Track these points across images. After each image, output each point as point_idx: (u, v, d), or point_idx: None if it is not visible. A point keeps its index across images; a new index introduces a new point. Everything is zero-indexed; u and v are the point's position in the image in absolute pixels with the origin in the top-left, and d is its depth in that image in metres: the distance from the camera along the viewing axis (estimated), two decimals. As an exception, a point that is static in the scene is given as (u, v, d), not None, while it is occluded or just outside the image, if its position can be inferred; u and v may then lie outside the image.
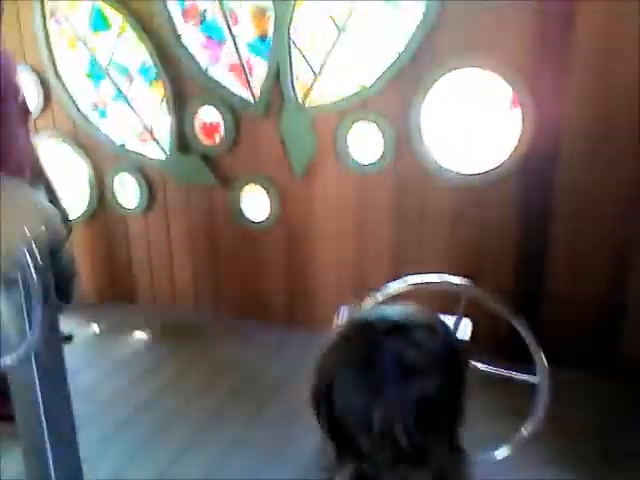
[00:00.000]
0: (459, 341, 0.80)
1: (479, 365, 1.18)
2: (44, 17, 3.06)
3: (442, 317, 1.12)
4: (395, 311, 0.78)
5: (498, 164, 2.52)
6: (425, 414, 0.71)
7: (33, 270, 1.06)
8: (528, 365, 1.25)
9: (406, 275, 1.28)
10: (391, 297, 1.22)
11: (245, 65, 2.81)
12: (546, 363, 1.14)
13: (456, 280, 1.19)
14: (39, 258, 1.07)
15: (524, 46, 2.38)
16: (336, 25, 2.59)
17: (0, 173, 1.98)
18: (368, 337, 0.74)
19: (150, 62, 2.94)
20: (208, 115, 2.94)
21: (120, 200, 3.25)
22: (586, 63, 2.33)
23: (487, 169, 2.54)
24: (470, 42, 2.44)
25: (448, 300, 1.15)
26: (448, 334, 0.78)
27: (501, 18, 2.38)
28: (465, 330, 1.21)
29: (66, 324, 3.05)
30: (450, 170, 2.59)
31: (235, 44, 2.79)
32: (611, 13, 2.26)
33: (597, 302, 2.57)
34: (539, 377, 1.15)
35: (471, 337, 1.24)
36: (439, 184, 2.62)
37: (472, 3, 2.38)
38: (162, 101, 2.98)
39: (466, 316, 1.25)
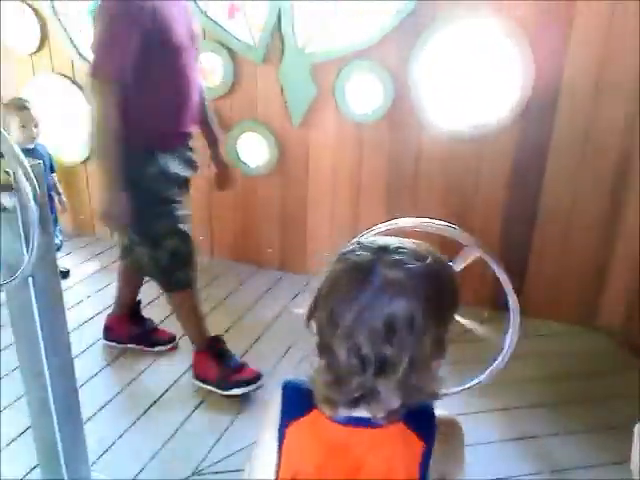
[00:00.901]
0: (449, 274, 0.83)
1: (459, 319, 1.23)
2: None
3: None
4: (391, 239, 0.83)
5: (495, 117, 2.54)
6: (393, 328, 0.75)
7: (31, 196, 1.11)
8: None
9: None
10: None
11: (246, 9, 2.78)
12: (517, 300, 1.19)
13: (441, 223, 1.23)
14: (37, 185, 1.11)
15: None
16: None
17: (179, 122, 2.02)
18: (359, 255, 0.79)
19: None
20: (207, 58, 2.92)
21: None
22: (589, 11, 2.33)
23: (483, 122, 2.56)
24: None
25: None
26: (438, 265, 0.81)
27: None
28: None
29: (63, 260, 3.14)
30: (447, 121, 2.60)
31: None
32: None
33: (583, 262, 2.63)
34: (512, 307, 1.20)
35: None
36: (435, 135, 2.64)
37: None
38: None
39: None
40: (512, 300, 1.29)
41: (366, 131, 2.77)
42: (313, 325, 0.82)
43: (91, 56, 1.90)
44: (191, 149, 2.18)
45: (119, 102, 1.86)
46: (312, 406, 0.85)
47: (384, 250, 0.79)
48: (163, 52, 1.92)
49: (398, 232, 1.26)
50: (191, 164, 2.18)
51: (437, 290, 0.79)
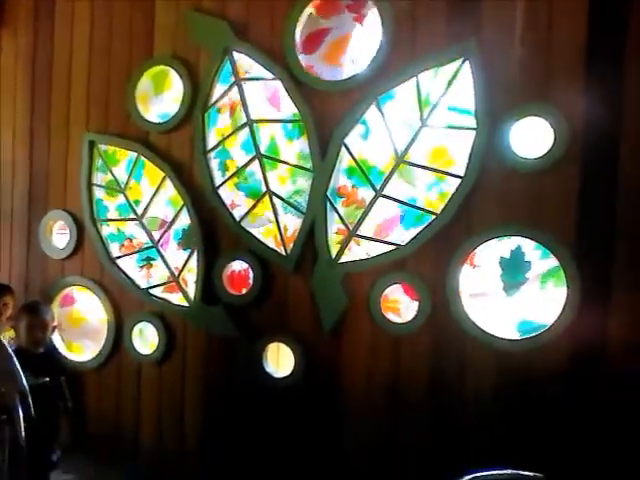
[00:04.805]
0: None
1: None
2: (90, 167, 3.18)
3: None
4: None
5: (542, 329, 2.37)
6: None
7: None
8: None
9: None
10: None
11: (279, 220, 2.82)
12: None
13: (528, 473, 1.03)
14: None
15: (567, 218, 2.34)
16: (373, 187, 2.62)
17: None
18: None
19: (185, 213, 2.97)
20: (238, 267, 2.92)
21: (137, 347, 3.11)
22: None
23: (530, 334, 2.39)
24: (509, 208, 2.42)
25: None
26: None
27: (541, 188, 2.37)
28: None
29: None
30: (491, 334, 2.44)
31: (271, 200, 2.82)
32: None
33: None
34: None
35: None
36: (479, 349, 2.46)
37: (512, 170, 2.39)
38: (193, 252, 2.97)
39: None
40: None
41: (403, 342, 2.60)
42: None
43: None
44: None
45: None
46: None
47: None
48: None
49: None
50: None
51: None
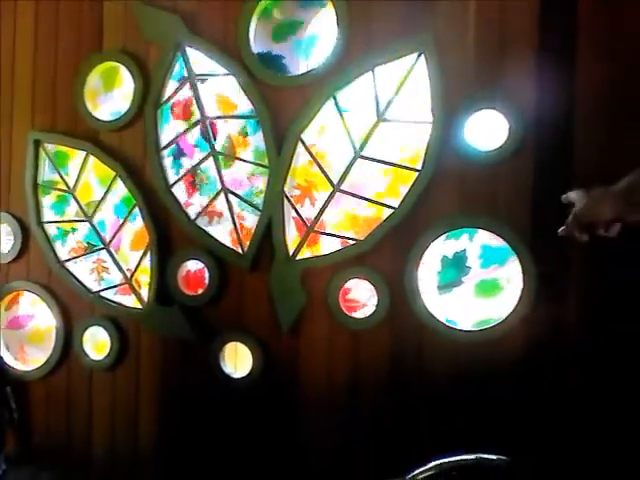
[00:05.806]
0: None
1: None
2: (36, 167, 3.04)
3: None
4: None
5: (500, 321, 2.39)
6: None
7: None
8: None
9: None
10: None
11: (235, 217, 2.76)
12: None
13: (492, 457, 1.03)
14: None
15: (523, 209, 2.37)
16: (331, 182, 2.60)
17: None
18: None
19: (137, 212, 2.88)
20: (193, 266, 2.85)
21: (88, 353, 2.98)
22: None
23: (489, 325, 2.41)
24: (467, 201, 2.44)
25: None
26: None
27: (498, 176, 2.40)
28: None
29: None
30: (450, 326, 2.45)
31: (226, 197, 2.77)
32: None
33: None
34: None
35: None
36: (439, 341, 2.46)
37: (468, 163, 2.41)
38: (145, 251, 2.87)
39: None
40: None
41: (363, 338, 2.58)
42: None
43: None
44: None
45: None
46: None
47: None
48: None
49: None
50: None
51: None
